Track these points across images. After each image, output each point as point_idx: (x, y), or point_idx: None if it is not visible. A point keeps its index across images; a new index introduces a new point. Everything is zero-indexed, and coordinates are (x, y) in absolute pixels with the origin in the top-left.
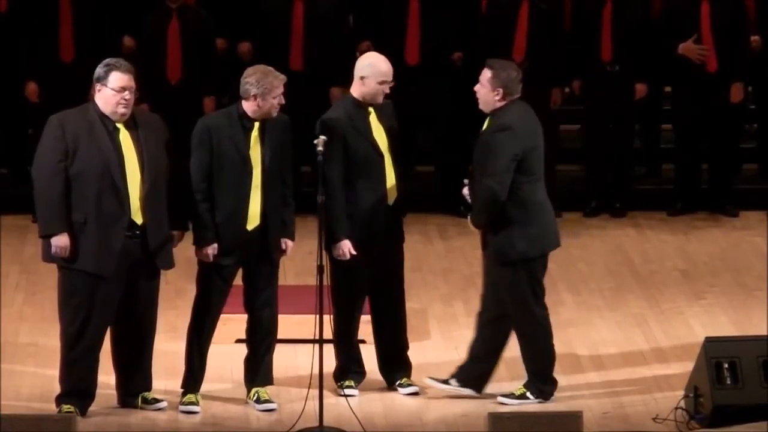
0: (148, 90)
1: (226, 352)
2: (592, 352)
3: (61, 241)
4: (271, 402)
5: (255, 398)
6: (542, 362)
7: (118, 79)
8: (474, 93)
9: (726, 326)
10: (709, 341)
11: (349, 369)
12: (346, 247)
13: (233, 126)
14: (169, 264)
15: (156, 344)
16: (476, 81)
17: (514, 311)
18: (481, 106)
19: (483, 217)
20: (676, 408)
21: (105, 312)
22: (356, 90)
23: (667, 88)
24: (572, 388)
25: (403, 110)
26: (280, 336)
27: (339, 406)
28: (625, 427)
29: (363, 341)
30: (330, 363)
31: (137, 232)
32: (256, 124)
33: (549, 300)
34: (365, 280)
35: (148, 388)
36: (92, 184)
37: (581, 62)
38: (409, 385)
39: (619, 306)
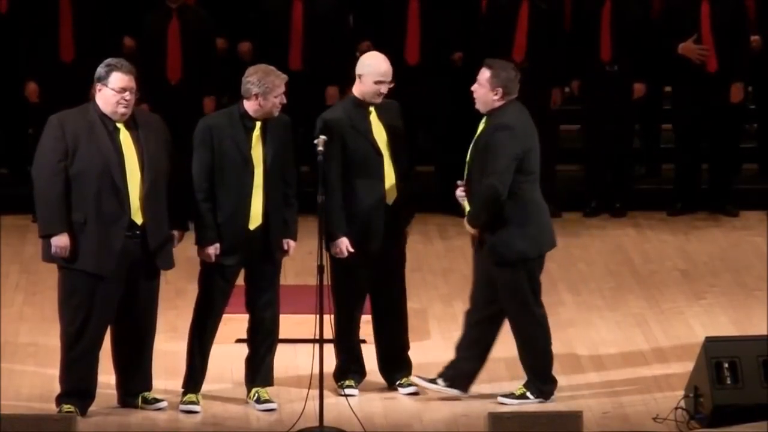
0: (148, 90)
1: (227, 352)
2: (592, 352)
3: (61, 241)
4: (271, 402)
5: (255, 398)
6: (542, 362)
7: (119, 79)
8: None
9: (726, 326)
10: (709, 341)
11: (349, 369)
12: (344, 245)
13: (235, 126)
14: (169, 264)
15: (156, 344)
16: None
17: (514, 312)
18: (477, 106)
19: (482, 216)
20: (676, 408)
21: (105, 312)
22: (356, 89)
23: (667, 88)
24: (572, 388)
25: (403, 110)
26: (280, 336)
27: (339, 406)
28: (625, 427)
29: (363, 341)
30: (330, 363)
31: (137, 232)
32: (258, 124)
33: (549, 300)
34: (365, 280)
35: (148, 388)
36: (92, 184)
37: (580, 62)
38: (410, 385)
39: (619, 306)
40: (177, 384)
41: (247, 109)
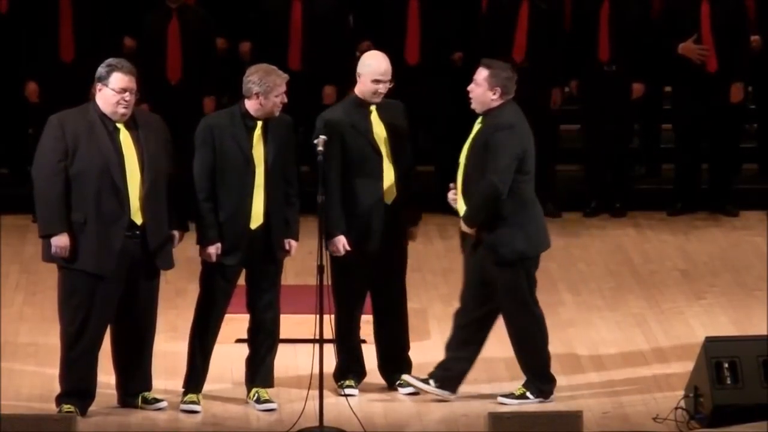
0: (148, 90)
1: (227, 352)
2: (592, 352)
3: (61, 241)
4: (271, 402)
5: (255, 398)
6: (540, 361)
7: (119, 79)
8: None
9: (726, 326)
10: (709, 341)
11: (349, 369)
12: (341, 243)
13: (236, 125)
14: (169, 264)
15: (156, 344)
16: None
17: (513, 311)
18: (474, 106)
19: (481, 215)
20: (676, 408)
21: (105, 312)
22: (357, 88)
23: (667, 88)
24: (572, 388)
25: (407, 110)
26: (280, 336)
27: (339, 406)
28: (625, 427)
29: (363, 341)
30: (330, 363)
31: (137, 232)
32: (259, 123)
33: (549, 300)
34: (365, 280)
35: (148, 387)
36: (92, 183)
37: (579, 62)
38: (410, 384)
39: (619, 306)
40: (177, 384)
41: (249, 108)
